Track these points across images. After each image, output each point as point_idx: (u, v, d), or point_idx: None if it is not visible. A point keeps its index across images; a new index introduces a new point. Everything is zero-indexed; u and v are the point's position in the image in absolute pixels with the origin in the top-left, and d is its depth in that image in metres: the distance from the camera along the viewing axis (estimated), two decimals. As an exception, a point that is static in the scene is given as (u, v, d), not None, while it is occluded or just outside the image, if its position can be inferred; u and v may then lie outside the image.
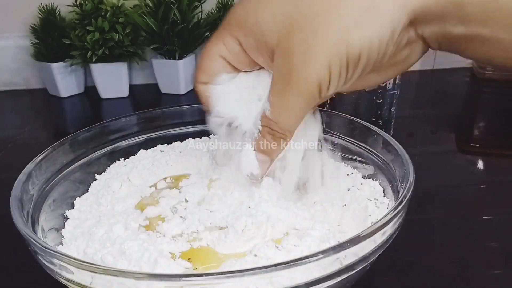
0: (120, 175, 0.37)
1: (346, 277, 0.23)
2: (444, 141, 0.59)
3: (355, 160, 0.37)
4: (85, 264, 0.22)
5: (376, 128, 0.35)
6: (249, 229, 0.27)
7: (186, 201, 0.31)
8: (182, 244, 0.28)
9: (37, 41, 0.74)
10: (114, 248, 0.27)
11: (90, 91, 0.79)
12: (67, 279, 0.23)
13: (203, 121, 0.42)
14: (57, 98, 0.78)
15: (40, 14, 0.73)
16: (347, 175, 0.36)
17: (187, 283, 0.21)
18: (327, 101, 0.49)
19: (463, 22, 0.22)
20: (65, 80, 0.77)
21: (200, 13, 0.74)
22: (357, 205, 0.31)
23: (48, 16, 0.73)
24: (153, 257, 0.25)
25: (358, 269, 0.24)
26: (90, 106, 0.78)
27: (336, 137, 0.38)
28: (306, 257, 0.21)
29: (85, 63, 0.74)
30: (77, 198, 0.35)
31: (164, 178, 0.37)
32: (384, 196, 0.33)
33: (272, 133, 0.27)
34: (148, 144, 0.42)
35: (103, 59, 0.72)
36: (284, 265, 0.21)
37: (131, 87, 0.79)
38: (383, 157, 0.34)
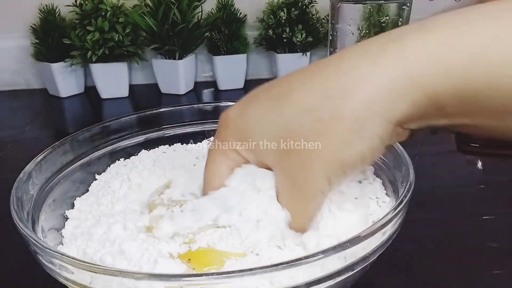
0: (120, 175, 0.37)
1: (346, 277, 0.23)
2: (444, 141, 0.59)
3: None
4: (85, 264, 0.22)
5: (376, 128, 0.35)
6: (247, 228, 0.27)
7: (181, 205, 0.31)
8: (180, 246, 0.28)
9: (37, 41, 0.74)
10: (114, 248, 0.27)
11: (90, 91, 0.79)
12: (67, 279, 0.23)
13: (203, 121, 0.43)
14: (57, 98, 0.78)
15: (40, 14, 0.73)
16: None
17: (187, 283, 0.21)
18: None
19: (445, 117, 0.24)
20: (65, 80, 0.77)
21: (200, 13, 0.74)
22: (360, 203, 0.31)
23: (48, 16, 0.73)
24: (153, 257, 0.25)
25: (358, 269, 0.24)
26: (90, 106, 0.78)
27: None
28: (306, 257, 0.21)
29: (85, 63, 0.74)
30: (77, 198, 0.35)
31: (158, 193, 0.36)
32: (386, 194, 0.33)
33: None
34: (148, 144, 0.42)
35: (103, 59, 0.72)
36: (284, 265, 0.21)
37: (131, 87, 0.79)
38: (383, 157, 0.34)
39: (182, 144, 0.42)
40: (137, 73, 0.83)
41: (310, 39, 0.76)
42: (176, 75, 0.76)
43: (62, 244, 0.30)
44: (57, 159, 0.35)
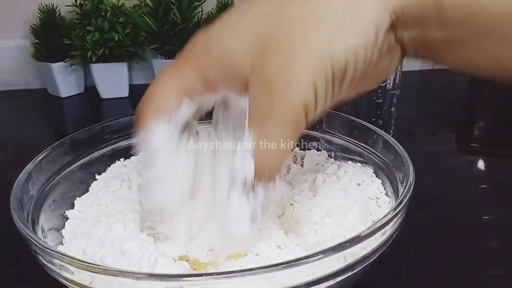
0: (120, 175, 0.37)
1: (346, 277, 0.23)
2: (444, 141, 0.59)
3: (355, 160, 0.37)
4: (85, 264, 0.22)
5: (376, 128, 0.35)
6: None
7: None
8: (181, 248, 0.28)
9: (37, 41, 0.74)
10: (114, 248, 0.27)
11: (90, 91, 0.79)
12: (67, 279, 0.23)
13: (203, 121, 0.43)
14: (57, 98, 0.78)
15: (40, 14, 0.73)
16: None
17: (187, 283, 0.21)
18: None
19: (443, 25, 0.21)
20: (65, 80, 0.77)
21: (200, 13, 0.74)
22: (360, 203, 0.31)
23: (48, 16, 0.73)
24: (153, 257, 0.25)
25: (358, 269, 0.24)
26: (90, 106, 0.78)
27: (336, 137, 0.38)
28: (306, 257, 0.21)
29: (85, 63, 0.74)
30: (77, 198, 0.35)
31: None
32: (386, 194, 0.33)
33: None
34: (148, 144, 0.42)
35: (103, 59, 0.72)
36: (284, 265, 0.21)
37: (131, 87, 0.79)
38: (383, 157, 0.34)
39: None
40: (137, 73, 0.83)
41: (310, 39, 0.76)
42: (176, 75, 0.76)
43: (62, 244, 0.30)
44: (57, 159, 0.35)
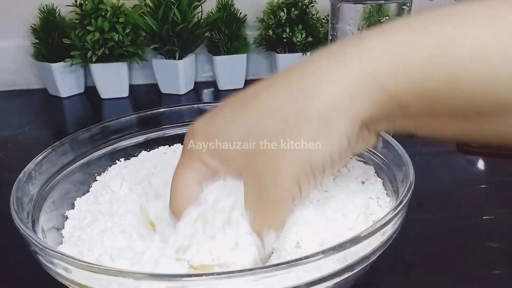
0: (120, 176, 0.37)
1: (346, 277, 0.23)
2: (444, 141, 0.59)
3: (355, 160, 0.37)
4: (85, 264, 0.22)
5: (376, 128, 0.35)
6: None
7: None
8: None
9: (37, 41, 0.74)
10: (114, 248, 0.27)
11: (90, 91, 0.79)
12: (67, 279, 0.23)
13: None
14: (57, 98, 0.78)
15: (40, 14, 0.73)
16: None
17: (187, 283, 0.21)
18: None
19: (410, 118, 0.24)
20: (65, 80, 0.77)
21: (200, 13, 0.74)
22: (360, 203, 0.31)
23: (48, 16, 0.73)
24: (154, 257, 0.25)
25: (358, 269, 0.24)
26: (90, 106, 0.78)
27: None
28: (306, 257, 0.21)
29: (85, 63, 0.74)
30: (77, 199, 0.35)
31: None
32: (386, 194, 0.33)
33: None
34: (148, 144, 0.42)
35: (103, 59, 0.72)
36: (284, 265, 0.21)
37: (131, 87, 0.79)
38: (383, 157, 0.34)
39: (182, 144, 0.42)
40: (137, 73, 0.83)
41: (310, 39, 0.76)
42: (176, 75, 0.76)
43: (62, 244, 0.30)
44: (57, 159, 0.35)
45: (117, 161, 0.40)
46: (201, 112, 0.43)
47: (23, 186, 0.30)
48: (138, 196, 0.35)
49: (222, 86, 0.81)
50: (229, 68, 0.79)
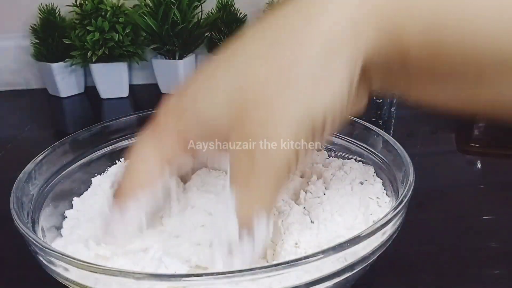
0: (120, 176, 0.37)
1: (346, 277, 0.23)
2: (444, 141, 0.59)
3: (355, 160, 0.37)
4: (85, 264, 0.22)
5: (376, 128, 0.35)
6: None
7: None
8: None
9: (37, 41, 0.74)
10: (114, 248, 0.27)
11: (90, 91, 0.79)
12: (67, 279, 0.23)
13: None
14: (57, 98, 0.78)
15: (40, 14, 0.73)
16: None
17: (188, 283, 0.21)
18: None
19: (408, 74, 0.22)
20: (65, 80, 0.77)
21: (200, 13, 0.74)
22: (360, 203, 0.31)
23: (48, 16, 0.73)
24: (156, 257, 0.25)
25: (358, 269, 0.24)
26: (90, 106, 0.78)
27: (336, 137, 0.38)
28: (306, 257, 0.21)
29: (85, 63, 0.74)
30: (77, 199, 0.35)
31: None
32: (386, 194, 0.33)
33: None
34: (148, 144, 0.42)
35: (103, 59, 0.72)
36: (284, 265, 0.21)
37: (131, 87, 0.79)
38: (383, 157, 0.34)
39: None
40: (137, 73, 0.83)
41: (310, 39, 0.76)
42: (176, 75, 0.76)
43: (60, 243, 0.30)
44: (57, 159, 0.35)
45: (117, 161, 0.40)
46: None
47: (23, 186, 0.30)
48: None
49: (222, 86, 0.81)
50: (229, 68, 0.79)
